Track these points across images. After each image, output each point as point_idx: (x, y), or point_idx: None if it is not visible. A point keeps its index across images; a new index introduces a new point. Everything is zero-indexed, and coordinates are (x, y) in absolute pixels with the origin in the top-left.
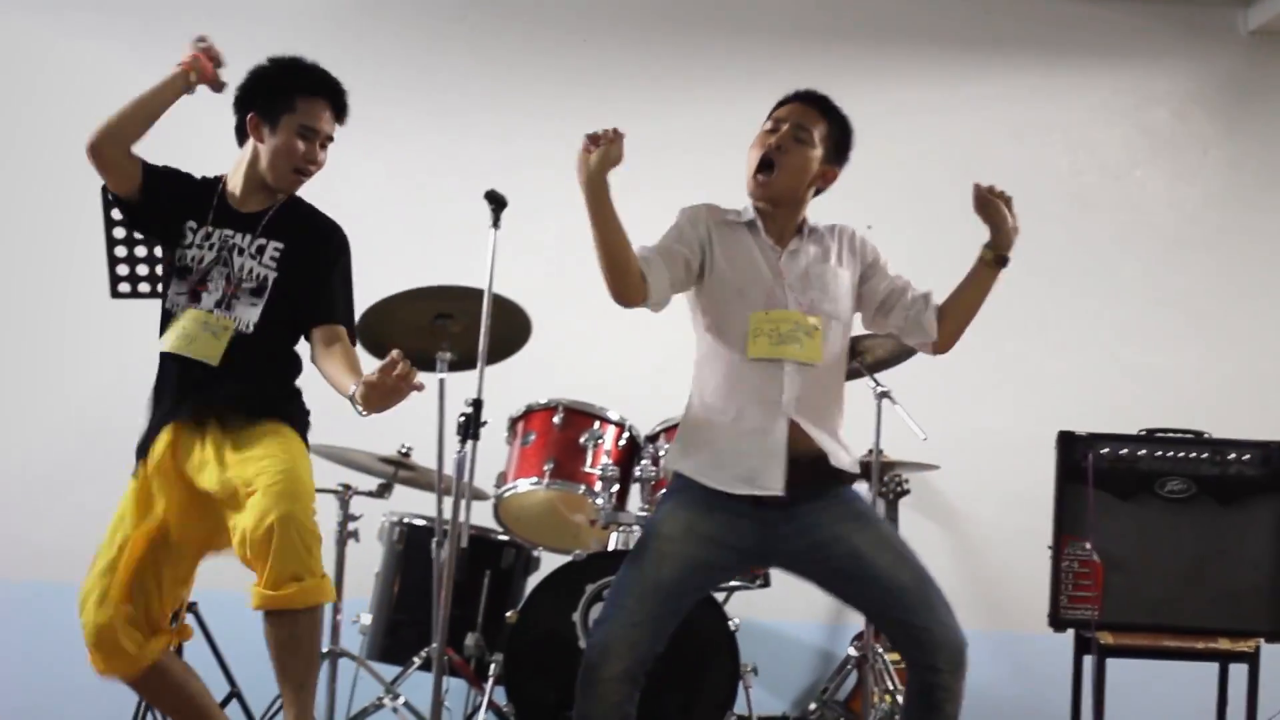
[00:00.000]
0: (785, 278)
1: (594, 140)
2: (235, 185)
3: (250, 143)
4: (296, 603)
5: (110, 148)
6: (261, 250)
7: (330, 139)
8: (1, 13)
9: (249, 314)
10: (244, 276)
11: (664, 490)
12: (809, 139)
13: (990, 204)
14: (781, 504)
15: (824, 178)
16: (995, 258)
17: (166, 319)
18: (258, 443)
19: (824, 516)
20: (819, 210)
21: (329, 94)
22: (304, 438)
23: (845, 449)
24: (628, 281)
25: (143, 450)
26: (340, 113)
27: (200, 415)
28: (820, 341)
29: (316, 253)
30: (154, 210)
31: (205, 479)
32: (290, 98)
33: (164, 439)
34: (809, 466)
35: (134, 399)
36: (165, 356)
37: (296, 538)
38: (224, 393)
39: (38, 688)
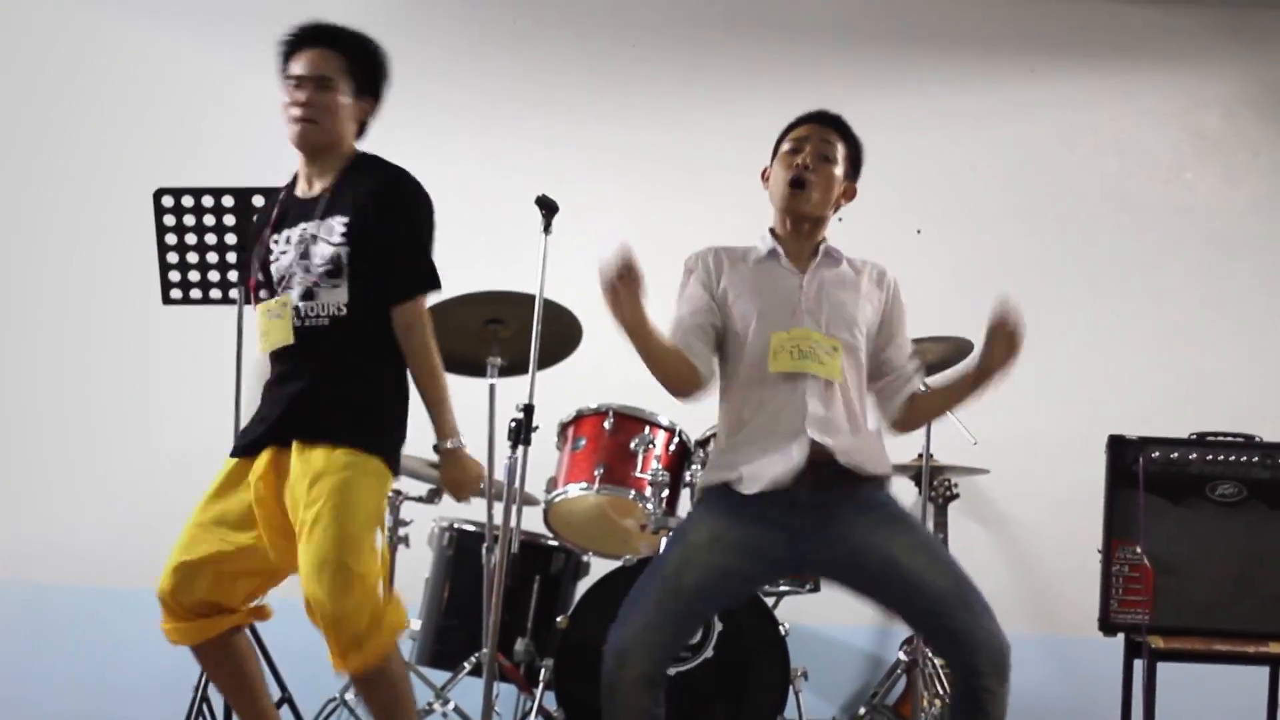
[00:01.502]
0: (804, 301)
1: (613, 286)
2: (299, 176)
3: None
4: (360, 670)
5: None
6: (331, 231)
7: (321, 78)
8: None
9: (336, 297)
10: (320, 262)
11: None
12: (833, 156)
13: (999, 330)
14: (813, 508)
15: (846, 195)
16: (978, 377)
17: None
18: (317, 483)
19: (857, 523)
20: (866, 215)
21: (305, 39)
22: (385, 457)
23: (873, 458)
24: (684, 381)
25: (241, 449)
26: (325, 43)
27: (285, 438)
28: (839, 360)
29: (382, 212)
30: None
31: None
32: (284, 67)
33: (263, 463)
34: (835, 473)
35: (194, 414)
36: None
37: (338, 610)
38: (308, 411)
39: (90, 691)
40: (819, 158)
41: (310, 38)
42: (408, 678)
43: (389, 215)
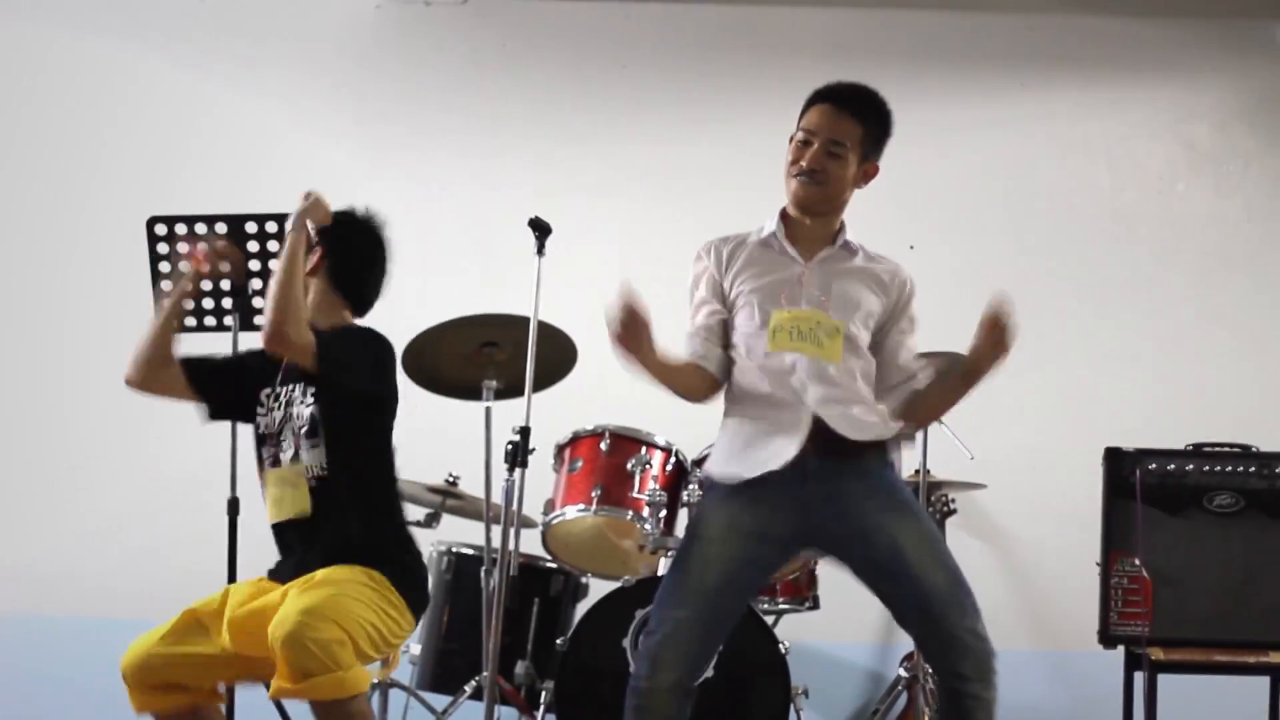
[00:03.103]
0: (806, 287)
1: (620, 333)
2: None
3: None
4: (310, 695)
5: (144, 376)
6: (305, 391)
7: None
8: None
9: (316, 458)
10: (300, 423)
11: (702, 489)
12: (842, 152)
13: (990, 326)
14: (823, 479)
15: (865, 175)
16: (968, 373)
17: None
18: (331, 574)
19: (867, 504)
20: (858, 230)
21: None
22: (388, 575)
23: (872, 422)
24: (699, 391)
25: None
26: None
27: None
28: (841, 345)
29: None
30: (226, 403)
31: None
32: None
33: (247, 590)
34: (839, 443)
35: (198, 440)
36: (274, 528)
37: (311, 644)
38: (313, 555)
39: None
40: (826, 155)
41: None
42: None
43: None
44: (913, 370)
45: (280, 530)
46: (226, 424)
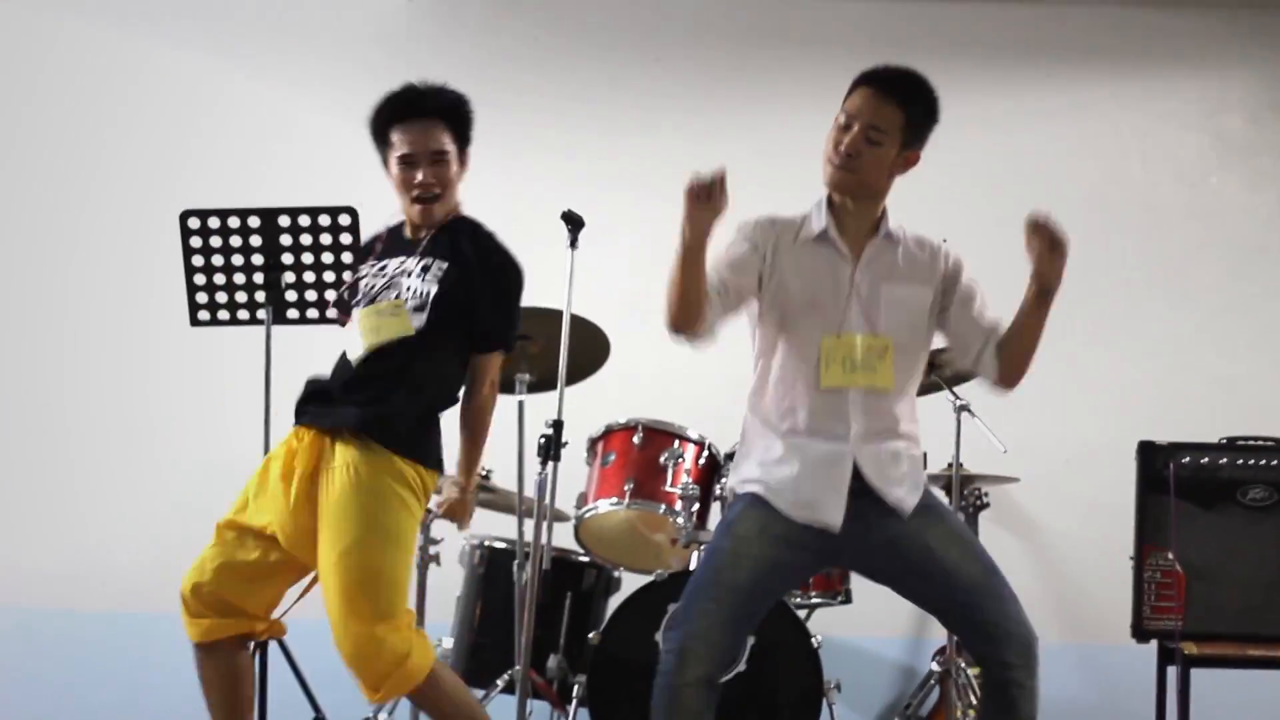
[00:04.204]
0: (857, 294)
1: (699, 191)
2: (405, 222)
3: None
4: (394, 695)
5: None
6: (426, 269)
7: (439, 153)
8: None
9: (415, 320)
10: (409, 296)
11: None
12: (881, 138)
13: (1037, 234)
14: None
15: (906, 163)
16: (1039, 290)
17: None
18: (345, 509)
19: (894, 513)
20: (890, 205)
21: (418, 112)
22: (421, 461)
23: (912, 483)
24: (691, 321)
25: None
26: (447, 119)
27: (330, 428)
28: (891, 364)
29: (474, 272)
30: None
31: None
32: (386, 134)
33: (292, 442)
34: (874, 496)
35: (221, 437)
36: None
37: (369, 650)
38: (359, 409)
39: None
40: (865, 140)
41: (417, 108)
42: (454, 683)
43: (493, 275)
44: (991, 327)
45: (359, 365)
46: (250, 416)
